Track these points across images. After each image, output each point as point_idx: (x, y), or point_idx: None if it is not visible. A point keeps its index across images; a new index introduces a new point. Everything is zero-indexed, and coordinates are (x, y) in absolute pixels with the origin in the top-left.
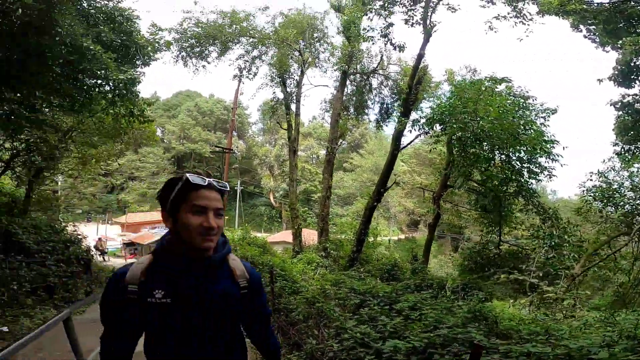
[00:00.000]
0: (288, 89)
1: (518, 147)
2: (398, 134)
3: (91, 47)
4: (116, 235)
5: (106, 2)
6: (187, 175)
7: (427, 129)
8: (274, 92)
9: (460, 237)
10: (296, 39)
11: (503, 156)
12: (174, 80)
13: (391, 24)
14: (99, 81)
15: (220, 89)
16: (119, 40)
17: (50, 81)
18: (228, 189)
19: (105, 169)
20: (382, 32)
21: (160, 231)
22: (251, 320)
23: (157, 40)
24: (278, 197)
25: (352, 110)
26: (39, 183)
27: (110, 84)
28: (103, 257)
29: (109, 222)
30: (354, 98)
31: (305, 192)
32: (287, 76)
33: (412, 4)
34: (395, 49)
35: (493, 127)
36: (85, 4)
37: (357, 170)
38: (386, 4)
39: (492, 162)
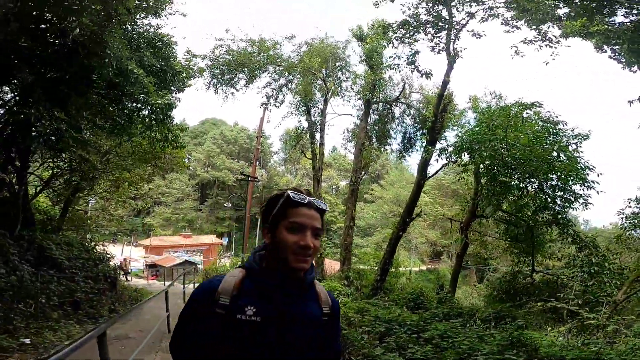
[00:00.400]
0: (312, 118)
1: (551, 175)
2: (424, 163)
3: (135, 71)
4: (139, 256)
5: (148, 27)
6: (289, 192)
7: (454, 157)
8: (299, 121)
9: (486, 267)
10: (320, 67)
11: (535, 184)
12: (202, 108)
13: (417, 52)
14: (139, 105)
15: (245, 117)
16: (158, 65)
17: (96, 103)
18: (328, 209)
19: (134, 192)
20: (408, 59)
21: (181, 255)
22: (324, 350)
23: (191, 66)
24: None
25: (374, 140)
26: (74, 203)
27: (149, 108)
28: (126, 277)
29: (134, 244)
30: (377, 127)
31: (325, 223)
32: (311, 105)
33: (436, 31)
34: (422, 76)
35: (524, 155)
36: (129, 28)
37: (378, 201)
38: (410, 32)
39: (524, 191)
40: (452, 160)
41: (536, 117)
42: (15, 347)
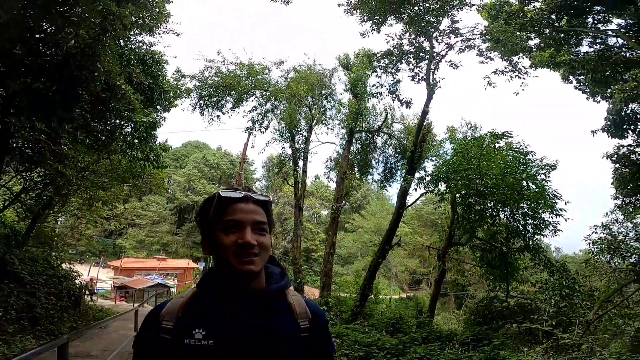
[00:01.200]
0: (296, 145)
1: (521, 203)
2: (404, 192)
3: (123, 87)
4: (108, 277)
5: (141, 44)
6: (219, 190)
7: (432, 187)
8: (283, 147)
9: (464, 294)
10: (306, 94)
11: (507, 212)
12: (185, 130)
13: (399, 81)
14: (122, 122)
15: (229, 141)
16: (147, 83)
17: (78, 117)
18: (270, 200)
19: (108, 213)
20: (390, 88)
21: (153, 278)
22: None
23: (179, 86)
24: (278, 254)
25: (356, 169)
26: (41, 219)
27: (133, 125)
28: (91, 297)
29: (103, 264)
30: (359, 157)
31: (306, 251)
32: (296, 132)
33: (417, 61)
34: (402, 104)
35: (496, 184)
36: (122, 43)
37: (358, 230)
38: (393, 62)
39: (497, 218)
40: (430, 189)
41: (507, 148)
42: None
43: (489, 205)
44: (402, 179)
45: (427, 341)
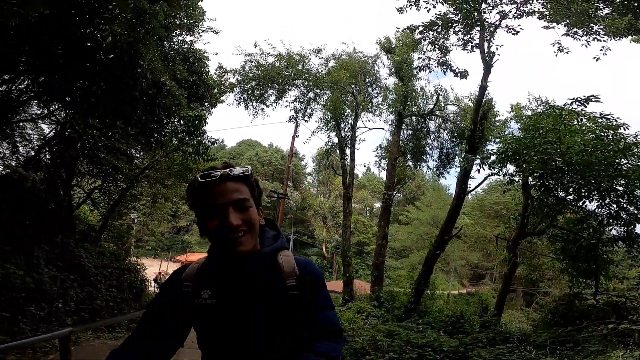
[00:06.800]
0: (342, 133)
1: (616, 183)
2: (464, 175)
3: (167, 83)
4: None
5: (182, 43)
6: (197, 175)
7: (497, 168)
8: (329, 136)
9: (535, 290)
10: (349, 82)
11: (596, 195)
12: (237, 128)
13: (448, 50)
14: (171, 117)
15: (278, 137)
16: (191, 80)
17: (130, 112)
18: (249, 172)
19: (174, 210)
20: (439, 59)
21: None
22: (303, 327)
23: (222, 82)
24: (330, 247)
25: (408, 156)
26: (114, 217)
27: (182, 121)
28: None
29: (172, 259)
30: (411, 143)
31: (358, 244)
32: (341, 120)
33: (467, 29)
34: (456, 76)
35: (583, 159)
36: (165, 43)
37: (413, 223)
38: (438, 32)
39: (584, 202)
40: (495, 171)
41: (591, 121)
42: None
43: (572, 186)
44: (460, 165)
45: (494, 343)
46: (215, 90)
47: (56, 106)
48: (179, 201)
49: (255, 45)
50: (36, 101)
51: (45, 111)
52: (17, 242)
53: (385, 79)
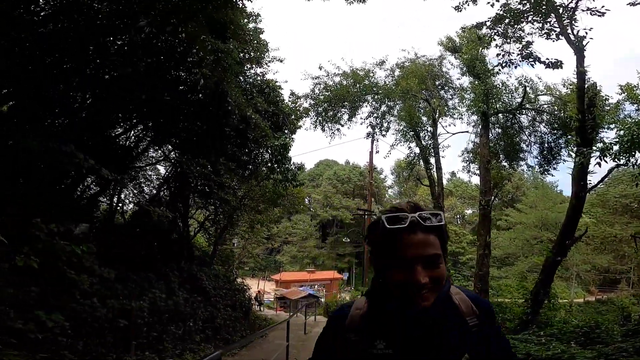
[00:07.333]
0: (423, 142)
1: None
2: (582, 171)
3: (253, 116)
4: (271, 289)
5: (255, 75)
6: (383, 217)
7: (625, 158)
8: (409, 147)
9: None
10: (419, 88)
11: None
12: (315, 150)
13: (529, 42)
14: (260, 148)
15: (354, 153)
16: (270, 110)
17: (225, 147)
18: (443, 222)
19: (267, 233)
20: (521, 52)
21: (305, 289)
22: None
23: (297, 107)
24: None
25: (502, 156)
26: (221, 242)
27: (269, 150)
28: (260, 307)
29: (267, 278)
30: (502, 142)
31: (452, 254)
32: (419, 129)
33: (543, 18)
34: (548, 67)
35: None
36: (241, 78)
37: (516, 227)
38: (511, 25)
39: None
40: (622, 162)
41: None
42: None
43: None
44: (568, 159)
45: None
46: (293, 117)
47: (168, 147)
48: (271, 225)
49: (320, 68)
50: (152, 145)
51: (159, 153)
52: (157, 270)
53: (458, 79)
